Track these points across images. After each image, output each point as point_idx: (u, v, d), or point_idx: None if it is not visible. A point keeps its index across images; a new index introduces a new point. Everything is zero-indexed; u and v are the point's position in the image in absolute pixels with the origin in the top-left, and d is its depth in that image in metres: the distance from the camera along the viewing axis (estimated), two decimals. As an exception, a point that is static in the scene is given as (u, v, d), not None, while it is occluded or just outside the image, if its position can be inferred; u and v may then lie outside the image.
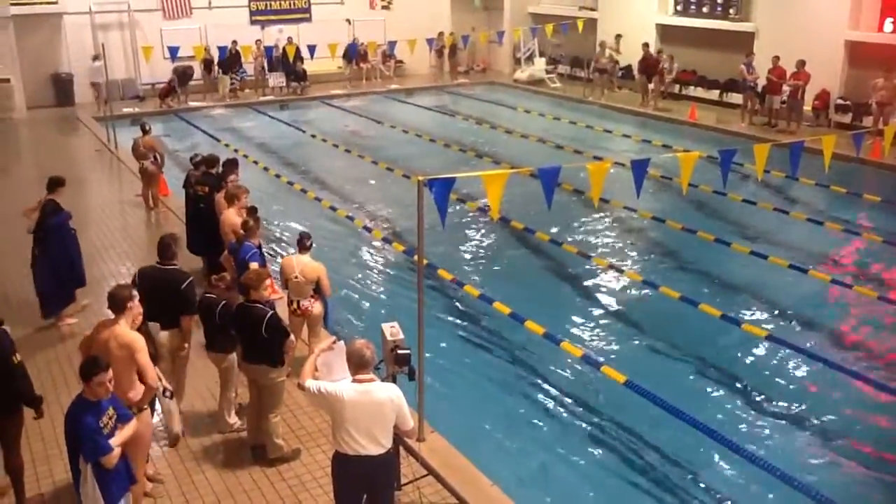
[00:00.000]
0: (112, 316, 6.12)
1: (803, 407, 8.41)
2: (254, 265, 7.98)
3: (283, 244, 12.84)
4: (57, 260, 9.52)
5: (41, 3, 22.76)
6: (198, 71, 23.63)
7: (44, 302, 9.68)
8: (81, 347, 6.34)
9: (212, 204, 10.15)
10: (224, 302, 7.16)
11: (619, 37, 23.98)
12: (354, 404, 5.22)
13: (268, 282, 6.87)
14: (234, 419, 7.52)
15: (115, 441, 5.28)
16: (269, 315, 6.74)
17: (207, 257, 10.41)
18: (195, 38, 23.93)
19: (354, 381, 5.30)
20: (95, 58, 21.60)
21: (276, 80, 24.80)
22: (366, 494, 5.51)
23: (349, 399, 5.22)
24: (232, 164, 10.63)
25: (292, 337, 6.94)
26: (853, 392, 8.58)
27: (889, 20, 18.48)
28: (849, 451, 7.71)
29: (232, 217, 9.05)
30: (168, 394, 6.82)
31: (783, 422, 8.17)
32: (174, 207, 13.86)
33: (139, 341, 5.94)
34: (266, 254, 9.66)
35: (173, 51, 22.82)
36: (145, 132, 13.90)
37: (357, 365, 5.28)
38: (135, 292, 6.24)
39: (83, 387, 5.26)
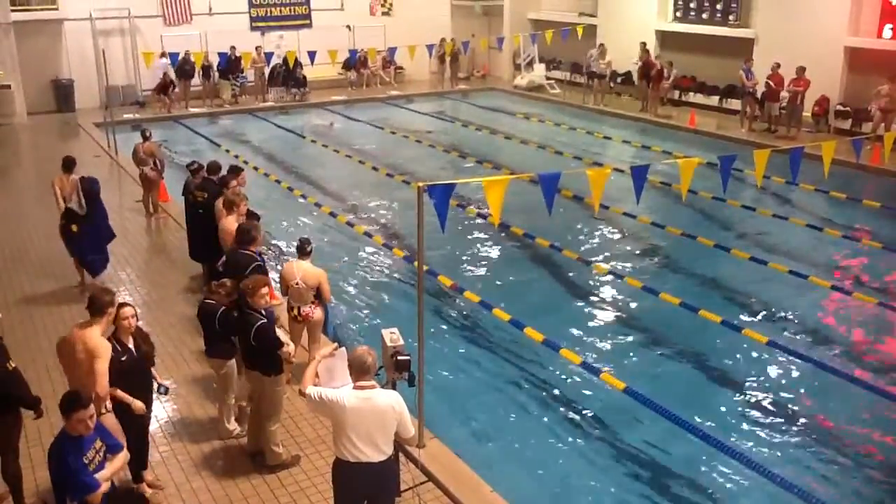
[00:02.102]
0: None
1: (804, 413, 8.40)
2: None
3: (283, 250, 12.84)
4: (99, 225, 10.66)
5: (42, 10, 22.82)
6: (198, 77, 23.68)
7: (91, 267, 10.74)
8: (59, 347, 6.47)
9: (211, 210, 10.13)
10: (223, 308, 7.16)
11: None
12: (356, 411, 5.21)
13: (265, 289, 6.84)
14: (233, 425, 7.51)
15: (105, 474, 5.18)
16: (258, 324, 6.71)
17: (208, 264, 10.41)
18: (195, 44, 23.94)
19: (356, 387, 5.29)
20: (163, 55, 22.84)
21: (276, 93, 24.88)
22: (366, 501, 5.50)
23: (350, 406, 5.22)
24: (233, 171, 10.59)
25: (286, 347, 6.90)
26: (853, 398, 8.55)
27: (888, 26, 18.51)
28: (849, 457, 7.69)
29: (230, 224, 9.03)
30: (163, 389, 6.81)
31: (783, 428, 8.15)
32: (174, 213, 13.88)
33: (102, 349, 6.05)
34: (266, 260, 9.64)
35: (174, 57, 22.87)
36: (146, 138, 13.91)
37: (359, 371, 5.28)
38: (117, 300, 6.41)
39: (64, 421, 5.11)
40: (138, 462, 6.65)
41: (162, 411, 7.80)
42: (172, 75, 23.15)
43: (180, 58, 22.74)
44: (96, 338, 6.08)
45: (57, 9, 22.90)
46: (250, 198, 9.74)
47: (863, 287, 11.28)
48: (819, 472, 7.46)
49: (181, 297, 10.69)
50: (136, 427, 6.57)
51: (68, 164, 10.75)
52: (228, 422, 7.50)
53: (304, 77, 24.74)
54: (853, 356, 9.55)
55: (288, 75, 24.66)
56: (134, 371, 6.33)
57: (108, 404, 6.13)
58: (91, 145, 19.58)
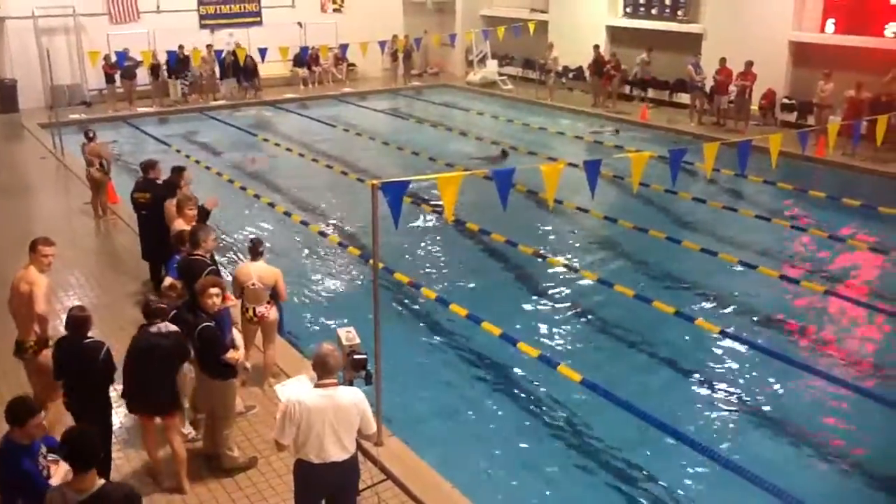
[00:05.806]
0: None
1: (756, 401, 8.57)
2: (168, 280, 7.93)
3: (236, 250, 12.67)
4: None
5: (-19, 8, 22.22)
6: (146, 76, 23.24)
7: None
8: (9, 299, 7.19)
9: (156, 211, 9.92)
10: (175, 311, 7.02)
11: (551, 44, 24.35)
12: (320, 410, 5.19)
13: (213, 289, 6.71)
14: (188, 429, 7.39)
15: (54, 481, 4.99)
16: (200, 326, 6.60)
17: (154, 265, 10.27)
18: (143, 42, 23.51)
19: (318, 386, 5.26)
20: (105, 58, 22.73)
21: (228, 86, 24.54)
22: (324, 501, 5.46)
23: (314, 405, 5.18)
24: (176, 171, 10.34)
25: (232, 353, 6.75)
26: (804, 386, 8.75)
27: (830, 21, 18.99)
28: (804, 445, 7.86)
29: (179, 227, 8.88)
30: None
31: (737, 416, 8.32)
32: (124, 215, 13.60)
33: (40, 279, 7.01)
34: (218, 261, 9.47)
35: (120, 56, 22.41)
36: (90, 139, 13.59)
37: (322, 371, 5.26)
38: (47, 243, 7.16)
39: (14, 430, 4.91)
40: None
41: (114, 416, 7.61)
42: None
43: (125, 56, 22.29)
44: (35, 273, 7.05)
45: (-3, 7, 22.32)
46: (202, 198, 9.59)
47: (811, 276, 11.55)
48: (775, 458, 7.61)
49: (132, 300, 10.47)
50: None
51: None
52: (183, 425, 7.37)
53: (256, 66, 24.18)
54: (802, 343, 9.77)
55: (238, 68, 24.25)
56: None
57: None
58: (36, 147, 19.09)
